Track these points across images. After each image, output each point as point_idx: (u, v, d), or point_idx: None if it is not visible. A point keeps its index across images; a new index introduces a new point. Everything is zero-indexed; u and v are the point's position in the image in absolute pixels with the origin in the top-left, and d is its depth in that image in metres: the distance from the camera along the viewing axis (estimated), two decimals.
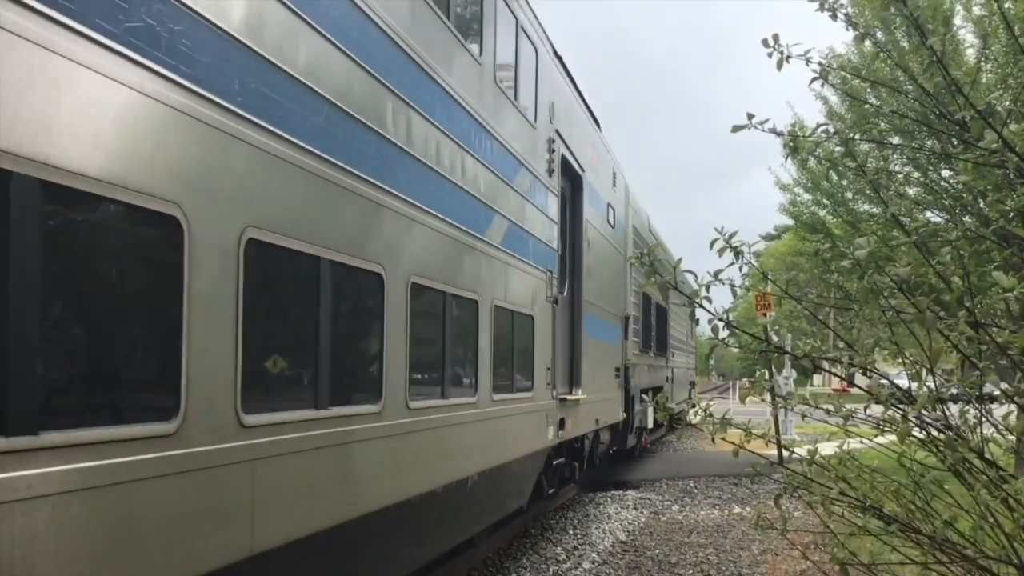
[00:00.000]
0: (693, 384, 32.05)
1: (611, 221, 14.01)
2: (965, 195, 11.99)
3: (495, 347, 7.66)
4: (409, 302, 5.78)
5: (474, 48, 7.35)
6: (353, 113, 5.02)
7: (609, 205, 13.81)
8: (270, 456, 4.10)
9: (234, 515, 3.84)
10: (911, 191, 13.57)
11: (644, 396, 14.83)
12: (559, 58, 10.72)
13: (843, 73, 11.43)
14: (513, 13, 8.49)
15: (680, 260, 3.76)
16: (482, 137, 7.50)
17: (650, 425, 18.04)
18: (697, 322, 31.46)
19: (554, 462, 10.59)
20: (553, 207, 10.03)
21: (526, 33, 8.98)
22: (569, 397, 10.49)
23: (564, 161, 10.54)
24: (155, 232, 3.43)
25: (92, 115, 3.04)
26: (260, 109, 4.03)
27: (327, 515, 4.69)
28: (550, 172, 9.92)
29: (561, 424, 10.12)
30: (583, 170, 11.63)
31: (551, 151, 9.95)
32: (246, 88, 3.92)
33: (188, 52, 3.53)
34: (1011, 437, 3.76)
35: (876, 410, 3.68)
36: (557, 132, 10.22)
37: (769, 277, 5.07)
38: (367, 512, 5.18)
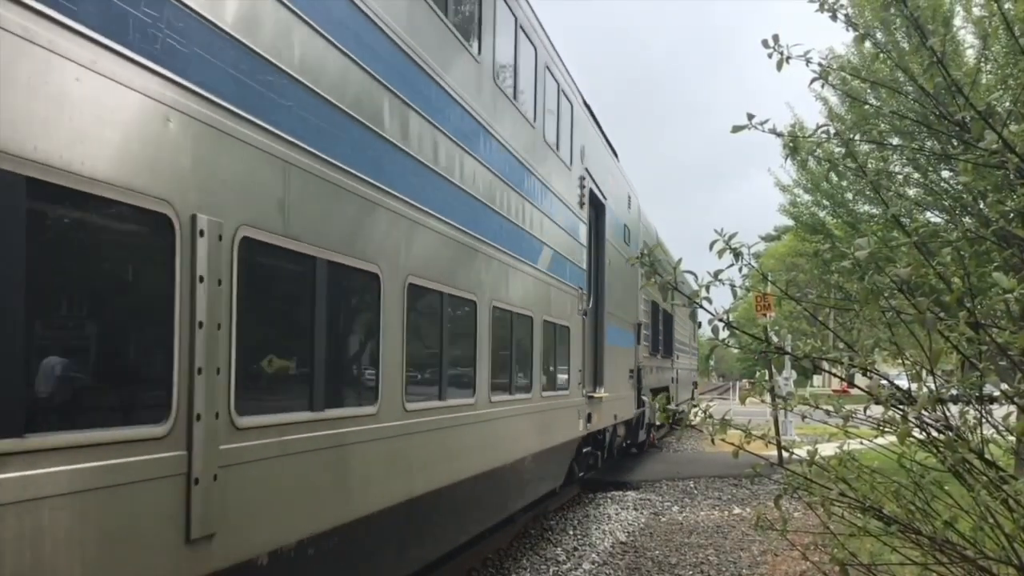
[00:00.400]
0: (696, 384, 33.68)
1: (626, 239, 15.49)
2: (965, 196, 11.98)
3: (543, 353, 9.43)
4: (491, 322, 7.65)
5: (530, 115, 9.28)
6: (476, 196, 7.33)
7: (625, 226, 15.37)
8: (418, 432, 6.03)
9: (404, 470, 5.85)
10: (911, 192, 13.56)
11: (646, 397, 15.99)
12: (587, 106, 12.59)
13: (843, 74, 11.43)
14: (556, 79, 10.43)
15: (680, 260, 3.76)
16: (537, 186, 9.52)
17: (658, 422, 18.55)
18: (700, 325, 31.74)
19: (583, 450, 12.35)
20: (583, 234, 11.91)
21: (565, 94, 10.95)
22: (594, 395, 12.10)
23: (591, 193, 12.33)
24: (369, 284, 5.37)
25: (358, 219, 5.20)
26: (418, 196, 6.01)
27: (442, 477, 6.53)
28: (581, 204, 11.73)
29: (588, 418, 11.73)
30: (605, 198, 13.37)
31: (582, 187, 11.82)
32: (407, 182, 5.87)
33: (390, 168, 5.59)
34: (1011, 438, 3.76)
35: (876, 411, 3.68)
36: (586, 170, 12.08)
37: (769, 278, 5.06)
38: (469, 476, 7.09)
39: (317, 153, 4.64)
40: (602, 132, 13.85)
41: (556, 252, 10.16)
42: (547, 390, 9.57)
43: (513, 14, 8.57)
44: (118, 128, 3.22)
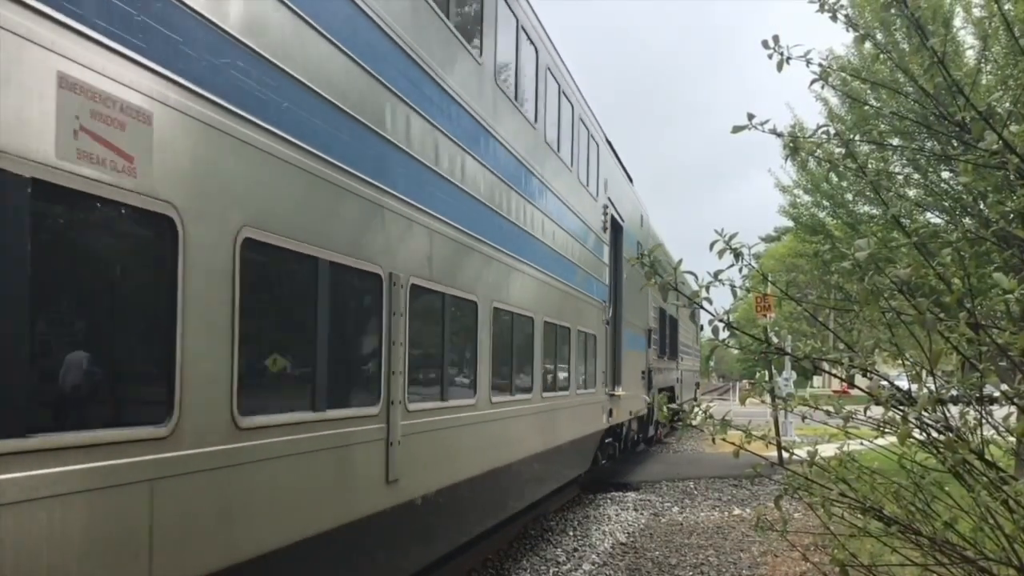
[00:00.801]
0: (698, 384, 35.95)
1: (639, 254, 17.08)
2: (965, 196, 11.98)
3: (577, 357, 11.54)
4: (543, 333, 9.80)
5: (568, 163, 11.46)
6: (537, 236, 9.69)
7: (638, 242, 16.99)
8: (498, 419, 8.15)
9: (490, 447, 8.01)
10: (911, 193, 13.55)
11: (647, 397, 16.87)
12: (609, 143, 14.83)
13: (843, 75, 11.42)
14: (587, 127, 12.60)
15: (680, 261, 3.76)
16: (575, 221, 11.74)
17: (660, 420, 19.21)
18: (702, 328, 32.00)
19: (605, 440, 14.53)
20: (606, 254, 14.01)
21: (593, 137, 13.10)
22: (614, 393, 14.09)
23: (612, 219, 14.42)
24: (471, 310, 7.46)
25: (469, 263, 7.38)
26: (504, 243, 8.30)
27: (509, 456, 8.62)
28: (604, 229, 13.79)
29: (610, 413, 13.76)
30: (623, 221, 15.35)
31: (605, 214, 13.91)
32: (499, 234, 8.19)
33: (488, 224, 7.81)
34: (1011, 439, 3.75)
35: (876, 412, 3.68)
36: (609, 199, 14.18)
37: (769, 279, 5.06)
38: (528, 456, 9.32)
39: (447, 221, 6.69)
40: (620, 161, 16.07)
41: (587, 272, 12.32)
42: (580, 389, 11.69)
43: (557, 82, 10.75)
44: (364, 225, 5.41)
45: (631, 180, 17.53)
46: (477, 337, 7.55)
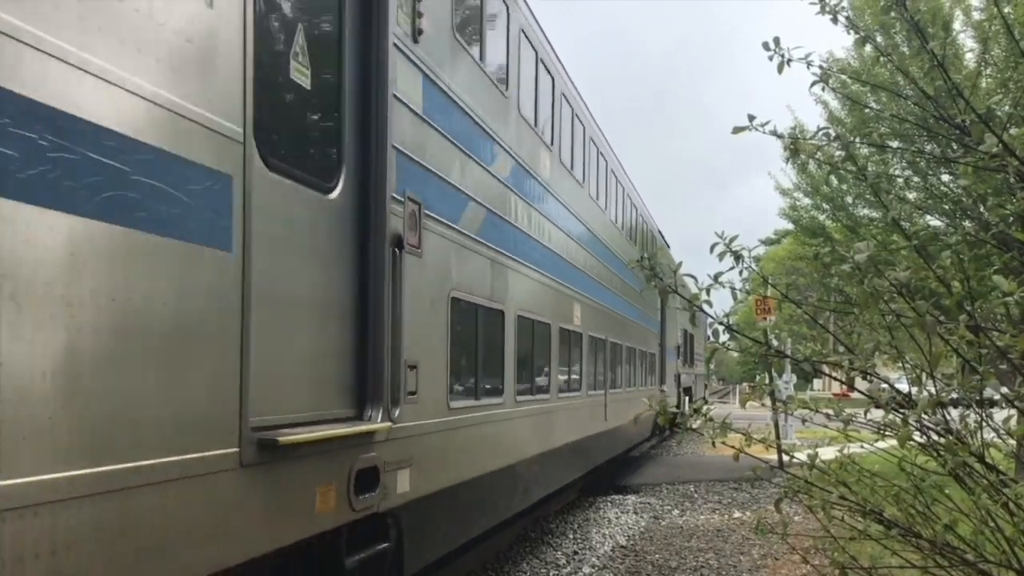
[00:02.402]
0: (707, 385, 42.13)
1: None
2: (965, 199, 11.98)
3: (647, 367, 19.23)
4: (640, 355, 18.05)
5: (635, 245, 18.34)
6: (630, 301, 17.06)
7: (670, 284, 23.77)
8: (627, 399, 15.92)
9: (624, 410, 15.53)
10: (911, 195, 13.56)
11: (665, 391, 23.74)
12: (661, 234, 23.48)
13: (843, 77, 11.43)
14: (651, 231, 21.34)
15: (680, 264, 3.76)
16: (640, 286, 17.64)
17: (686, 411, 23.51)
18: (708, 339, 33.31)
19: (658, 419, 22.55)
20: (658, 301, 20.92)
21: (655, 235, 21.61)
22: (662, 389, 21.68)
23: None
24: (624, 350, 16.02)
25: (612, 320, 14.91)
26: (635, 316, 18.01)
27: (630, 416, 16.08)
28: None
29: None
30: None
31: None
32: (634, 312, 17.75)
33: (629, 311, 17.01)
34: (1011, 441, 3.75)
35: (876, 414, 3.67)
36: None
37: (769, 281, 5.06)
38: (635, 418, 16.87)
39: (630, 318, 16.28)
40: (662, 235, 24.03)
41: (650, 316, 19.89)
42: (649, 385, 19.39)
43: (645, 220, 19.83)
44: (633, 331, 16.84)
45: (668, 245, 25.58)
46: (624, 361, 15.38)
